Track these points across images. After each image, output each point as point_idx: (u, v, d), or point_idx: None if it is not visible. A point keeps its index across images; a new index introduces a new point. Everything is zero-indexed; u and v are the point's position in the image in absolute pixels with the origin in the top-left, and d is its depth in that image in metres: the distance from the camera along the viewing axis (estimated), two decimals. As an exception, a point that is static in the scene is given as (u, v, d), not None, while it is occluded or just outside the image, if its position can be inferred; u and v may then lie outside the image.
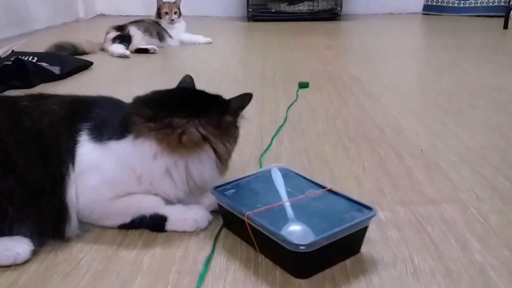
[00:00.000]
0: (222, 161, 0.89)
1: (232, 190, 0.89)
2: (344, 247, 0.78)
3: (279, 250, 0.74)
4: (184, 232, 0.88)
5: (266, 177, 0.94)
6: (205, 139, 0.86)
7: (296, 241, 0.71)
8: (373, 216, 0.79)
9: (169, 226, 0.88)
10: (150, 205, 0.87)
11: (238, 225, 0.82)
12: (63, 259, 0.81)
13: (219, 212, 0.90)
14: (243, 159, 1.21)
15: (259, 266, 0.78)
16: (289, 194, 0.87)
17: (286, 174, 0.95)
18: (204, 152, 0.87)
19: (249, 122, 1.48)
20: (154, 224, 0.87)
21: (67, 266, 0.79)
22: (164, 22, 3.10)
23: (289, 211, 0.81)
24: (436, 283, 0.73)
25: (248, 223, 0.79)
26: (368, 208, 0.80)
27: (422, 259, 0.79)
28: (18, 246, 0.79)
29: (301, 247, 0.71)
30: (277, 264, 0.78)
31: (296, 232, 0.76)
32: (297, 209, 0.82)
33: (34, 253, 0.81)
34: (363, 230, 0.80)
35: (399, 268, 0.77)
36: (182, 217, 0.88)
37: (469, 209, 0.95)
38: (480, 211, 0.94)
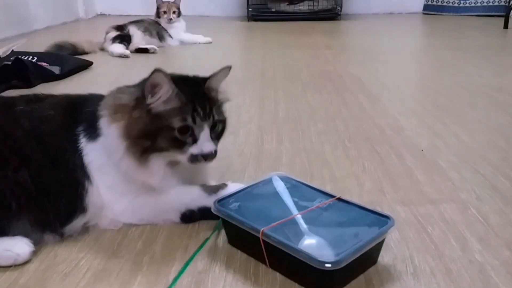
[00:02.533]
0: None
1: (236, 204, 0.83)
2: (366, 259, 0.76)
3: (298, 267, 0.71)
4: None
5: (268, 187, 0.90)
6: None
7: (319, 257, 0.68)
8: (392, 225, 0.76)
9: None
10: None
11: (247, 241, 0.78)
12: (63, 259, 0.81)
13: (224, 228, 0.86)
14: (243, 159, 1.21)
15: (259, 266, 0.78)
16: (297, 205, 0.83)
17: (289, 183, 0.91)
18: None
19: (249, 122, 1.49)
20: None
21: (67, 266, 0.79)
22: (163, 22, 3.10)
23: (302, 224, 0.78)
24: (436, 283, 0.73)
25: (262, 239, 0.75)
26: (384, 216, 0.78)
27: (422, 259, 0.79)
28: (18, 247, 0.79)
29: (326, 265, 0.67)
30: (294, 280, 0.74)
31: (312, 246, 0.72)
32: (310, 221, 0.78)
33: (34, 253, 0.81)
34: (383, 240, 0.78)
35: (399, 268, 0.77)
36: None
37: (469, 209, 0.95)
38: (480, 211, 0.94)
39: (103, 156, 0.86)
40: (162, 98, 0.80)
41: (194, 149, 0.82)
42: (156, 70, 0.78)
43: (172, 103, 0.80)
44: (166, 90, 0.80)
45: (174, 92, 0.80)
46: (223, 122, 0.88)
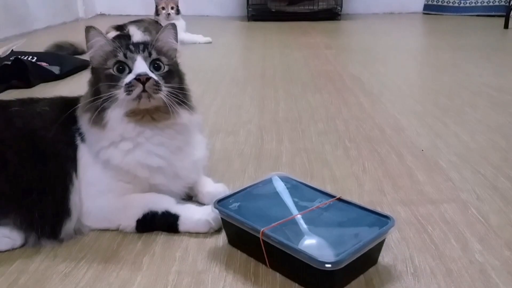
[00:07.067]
0: None
1: (236, 204, 0.84)
2: (366, 260, 0.76)
3: (299, 267, 0.71)
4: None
5: (268, 187, 0.90)
6: None
7: (320, 258, 0.68)
8: (392, 226, 0.76)
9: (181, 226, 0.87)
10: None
11: (247, 241, 0.78)
12: (63, 259, 0.81)
13: (224, 228, 0.86)
14: (243, 159, 1.21)
15: (259, 266, 0.78)
16: (297, 205, 0.83)
17: (289, 183, 0.91)
18: None
19: (249, 122, 1.49)
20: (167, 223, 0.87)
21: (66, 266, 0.79)
22: (162, 19, 3.11)
23: (302, 224, 0.77)
24: (436, 283, 0.73)
25: (262, 239, 0.75)
26: (384, 216, 0.78)
27: (423, 259, 0.79)
28: (14, 233, 0.82)
29: (327, 265, 0.67)
30: (294, 280, 0.74)
31: (312, 246, 0.72)
32: (310, 221, 0.78)
33: (35, 252, 0.81)
34: (383, 241, 0.78)
35: (399, 268, 0.77)
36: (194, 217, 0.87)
37: (469, 209, 0.95)
38: (480, 211, 0.94)
39: (90, 155, 0.87)
40: (98, 46, 0.87)
41: (128, 77, 0.83)
42: (87, 27, 0.87)
43: (106, 48, 0.87)
44: (99, 39, 0.87)
45: (107, 40, 0.88)
46: (170, 65, 0.88)
